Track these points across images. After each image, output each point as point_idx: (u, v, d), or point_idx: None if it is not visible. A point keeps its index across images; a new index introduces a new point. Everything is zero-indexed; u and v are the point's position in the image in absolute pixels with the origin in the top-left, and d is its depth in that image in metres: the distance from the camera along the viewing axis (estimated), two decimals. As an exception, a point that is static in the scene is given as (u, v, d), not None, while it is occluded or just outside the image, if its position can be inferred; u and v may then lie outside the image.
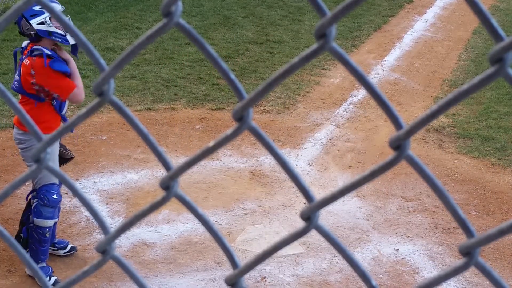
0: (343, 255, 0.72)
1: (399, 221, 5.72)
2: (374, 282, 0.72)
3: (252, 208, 5.72)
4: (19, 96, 4.47)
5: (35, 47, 4.27)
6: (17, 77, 4.36)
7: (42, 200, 4.48)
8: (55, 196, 4.50)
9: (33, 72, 4.23)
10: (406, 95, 8.71)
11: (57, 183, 4.54)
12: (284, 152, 6.69)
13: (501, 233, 0.60)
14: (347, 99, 8.27)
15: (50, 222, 4.55)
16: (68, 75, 4.32)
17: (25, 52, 4.35)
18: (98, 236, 5.20)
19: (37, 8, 4.23)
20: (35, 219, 4.51)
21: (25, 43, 4.46)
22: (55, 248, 4.87)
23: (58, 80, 4.28)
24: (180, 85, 8.23)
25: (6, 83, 7.35)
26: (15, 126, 4.53)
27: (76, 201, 5.58)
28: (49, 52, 4.27)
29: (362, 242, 5.38)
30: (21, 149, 4.52)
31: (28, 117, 0.81)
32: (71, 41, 4.24)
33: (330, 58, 9.37)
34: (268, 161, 6.53)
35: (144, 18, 10.66)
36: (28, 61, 4.26)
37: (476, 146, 7.18)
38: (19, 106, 0.81)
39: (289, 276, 4.89)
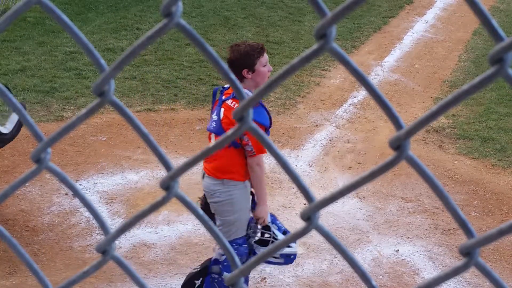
0: (343, 255, 0.72)
1: (399, 222, 5.72)
2: (374, 283, 0.72)
3: (252, 209, 5.72)
4: (213, 137, 4.08)
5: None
6: (215, 117, 4.04)
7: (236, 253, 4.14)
8: (245, 249, 4.19)
9: None
10: (406, 96, 8.71)
11: (244, 235, 4.19)
12: (284, 153, 6.69)
13: (501, 233, 0.61)
14: (347, 100, 8.27)
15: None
16: (267, 129, 3.99)
17: (227, 92, 4.09)
18: (98, 237, 5.20)
19: None
20: (224, 273, 4.20)
21: (227, 85, 4.17)
22: None
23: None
24: (180, 86, 8.23)
25: (6, 84, 7.36)
26: (207, 175, 4.11)
27: (76, 202, 5.58)
28: None
29: (362, 243, 5.38)
30: (216, 202, 4.11)
31: (31, 119, 0.81)
32: None
33: (330, 59, 9.37)
34: (267, 161, 6.52)
35: (144, 19, 10.66)
36: (234, 103, 3.98)
37: (476, 147, 7.18)
38: (20, 106, 0.81)
39: (289, 277, 4.89)
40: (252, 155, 3.96)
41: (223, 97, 4.06)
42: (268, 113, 4.04)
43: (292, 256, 4.32)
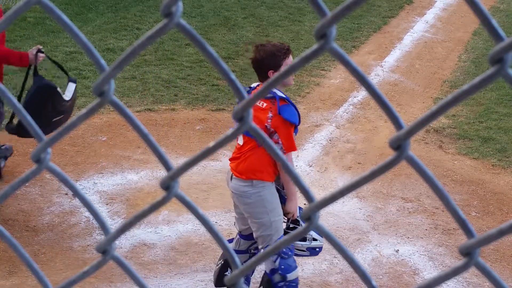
0: (344, 255, 0.72)
1: (399, 222, 5.72)
2: (374, 283, 0.72)
3: (252, 209, 5.72)
4: (241, 137, 4.13)
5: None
6: None
7: (285, 253, 4.20)
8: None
9: (270, 115, 3.99)
10: (406, 96, 8.71)
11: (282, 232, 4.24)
12: (284, 153, 6.69)
13: (501, 233, 0.61)
14: (347, 100, 8.27)
15: (298, 270, 4.37)
16: (296, 126, 4.07)
17: (254, 91, 4.09)
18: (98, 237, 5.20)
19: None
20: (287, 275, 4.23)
21: (254, 84, 4.24)
22: None
23: (289, 130, 4.02)
24: (180, 86, 8.23)
25: (6, 84, 7.35)
26: (235, 177, 4.12)
27: (76, 202, 5.58)
28: (283, 95, 4.04)
29: (362, 243, 5.38)
30: (247, 204, 4.12)
31: (31, 119, 0.81)
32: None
33: (330, 59, 9.37)
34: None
35: (144, 19, 10.66)
36: (265, 104, 4.03)
37: (476, 147, 7.18)
38: (20, 106, 0.81)
39: (289, 277, 4.89)
40: (282, 153, 3.95)
41: None
42: (297, 110, 4.08)
43: (317, 249, 4.43)
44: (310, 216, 0.69)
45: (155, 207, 0.76)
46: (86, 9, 11.02)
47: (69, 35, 0.70)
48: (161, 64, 8.86)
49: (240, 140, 4.15)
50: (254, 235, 4.26)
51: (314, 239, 4.39)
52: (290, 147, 4.01)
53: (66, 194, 5.71)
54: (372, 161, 6.71)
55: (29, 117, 0.81)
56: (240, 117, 0.68)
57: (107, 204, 5.64)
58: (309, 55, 0.64)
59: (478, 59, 10.26)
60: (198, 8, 11.52)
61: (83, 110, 0.75)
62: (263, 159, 4.04)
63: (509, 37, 0.57)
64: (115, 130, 6.93)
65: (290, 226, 4.37)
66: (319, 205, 0.68)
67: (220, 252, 5.02)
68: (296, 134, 4.12)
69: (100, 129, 6.95)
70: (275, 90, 3.98)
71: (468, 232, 0.64)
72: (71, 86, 5.42)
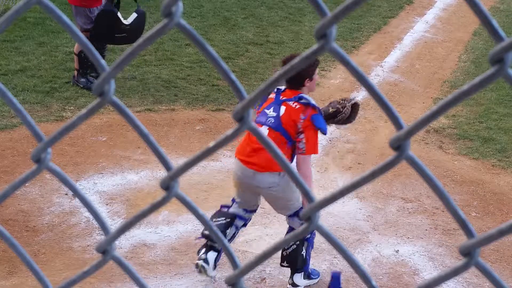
0: (344, 255, 0.72)
1: (399, 222, 5.72)
2: (374, 283, 0.72)
3: (252, 209, 5.72)
4: (266, 130, 4.46)
5: (302, 95, 4.46)
6: (273, 113, 4.47)
7: None
8: None
9: (303, 117, 4.39)
10: (406, 96, 8.71)
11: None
12: (284, 153, 6.68)
13: (501, 233, 0.61)
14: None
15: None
16: (325, 134, 4.58)
17: (284, 94, 4.51)
18: (98, 237, 5.20)
19: None
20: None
21: (282, 87, 4.58)
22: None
23: (316, 135, 4.46)
24: (180, 86, 8.23)
25: (6, 84, 7.36)
26: (260, 173, 4.44)
27: (75, 202, 5.58)
28: (315, 105, 4.47)
29: (362, 243, 5.38)
30: (275, 191, 4.49)
31: (31, 119, 0.81)
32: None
33: (330, 59, 9.37)
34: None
35: (144, 19, 10.65)
36: (298, 106, 4.43)
37: (476, 147, 7.18)
38: (20, 107, 0.81)
39: (289, 277, 4.89)
40: (302, 153, 4.39)
41: (282, 97, 4.49)
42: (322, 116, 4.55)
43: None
44: (310, 216, 0.69)
45: (155, 207, 0.76)
46: (86, 9, 11.00)
47: (69, 35, 0.70)
48: (161, 64, 8.86)
49: (265, 132, 4.45)
50: (285, 214, 4.65)
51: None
52: (312, 149, 4.42)
53: (66, 194, 5.71)
54: (372, 161, 6.71)
55: (29, 117, 0.81)
56: (240, 117, 0.68)
57: (107, 204, 5.64)
58: (309, 55, 0.64)
59: (478, 59, 10.26)
60: (198, 8, 11.52)
61: (83, 110, 0.75)
62: (283, 152, 4.31)
63: (509, 37, 0.57)
64: (115, 130, 6.93)
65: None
66: (319, 205, 0.68)
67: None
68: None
69: (100, 129, 6.95)
70: (308, 98, 4.45)
71: (468, 232, 0.64)
72: (133, 15, 7.35)
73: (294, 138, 4.41)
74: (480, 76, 0.58)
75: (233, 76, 0.69)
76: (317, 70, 4.58)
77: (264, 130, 4.42)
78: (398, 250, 5.32)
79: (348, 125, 5.42)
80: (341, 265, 5.04)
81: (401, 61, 10.12)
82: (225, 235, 4.73)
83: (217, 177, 6.22)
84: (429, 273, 5.05)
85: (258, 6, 12.12)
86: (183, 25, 0.66)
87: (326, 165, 6.66)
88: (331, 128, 7.46)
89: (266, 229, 5.45)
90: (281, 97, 4.52)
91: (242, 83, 8.15)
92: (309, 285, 4.84)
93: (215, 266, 4.58)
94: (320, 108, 4.60)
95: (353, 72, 0.64)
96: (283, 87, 4.59)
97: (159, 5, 11.08)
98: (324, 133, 4.49)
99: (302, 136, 4.38)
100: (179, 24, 0.66)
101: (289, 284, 4.76)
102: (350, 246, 5.29)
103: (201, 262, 4.51)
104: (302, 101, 4.43)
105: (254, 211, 4.80)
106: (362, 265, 0.71)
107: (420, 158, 6.50)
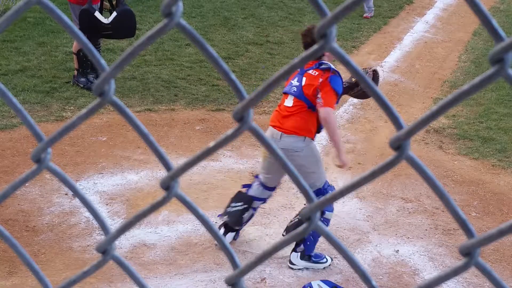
0: (344, 255, 0.72)
1: (399, 222, 5.72)
2: (374, 283, 0.72)
3: (252, 209, 5.71)
4: (292, 99, 4.80)
5: (323, 61, 4.74)
6: (296, 83, 4.79)
7: (327, 192, 4.78)
8: (332, 188, 4.94)
9: (320, 80, 4.67)
10: (406, 96, 8.71)
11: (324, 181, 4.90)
12: (284, 153, 6.67)
13: (501, 233, 0.61)
14: (347, 100, 8.27)
15: (333, 214, 5.02)
16: (340, 95, 4.79)
17: (308, 64, 4.65)
18: (98, 237, 5.20)
19: None
20: (326, 212, 4.85)
21: None
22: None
23: (332, 93, 4.67)
24: (180, 86, 8.23)
25: (6, 84, 7.36)
26: (286, 135, 4.74)
27: (76, 202, 5.58)
28: (335, 68, 4.73)
29: (362, 243, 5.38)
30: (297, 157, 4.72)
31: (31, 119, 0.81)
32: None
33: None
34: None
35: (144, 19, 10.66)
36: (317, 73, 4.71)
37: (476, 147, 7.18)
38: (20, 107, 0.81)
39: (289, 277, 4.89)
40: (320, 105, 4.62)
41: (304, 68, 4.73)
42: (342, 81, 4.81)
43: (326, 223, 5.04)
44: (310, 216, 0.69)
45: (155, 207, 0.76)
46: (86, 9, 11.01)
47: (69, 35, 0.70)
48: (161, 64, 8.86)
49: (289, 102, 4.80)
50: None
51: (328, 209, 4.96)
52: (329, 102, 4.62)
53: (66, 194, 5.71)
54: (372, 161, 6.71)
55: (29, 117, 0.81)
56: (240, 117, 0.68)
57: (107, 204, 5.64)
58: (309, 55, 0.64)
59: (478, 59, 10.26)
60: (198, 8, 11.52)
61: (83, 110, 0.75)
62: (308, 119, 4.72)
63: (509, 37, 0.57)
64: (115, 130, 6.93)
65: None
66: (319, 205, 0.68)
67: (220, 253, 5.03)
68: (337, 104, 4.84)
69: (100, 129, 6.95)
70: (328, 63, 4.73)
71: (468, 232, 0.64)
72: (114, 14, 7.44)
73: (314, 103, 4.68)
74: (480, 76, 0.58)
75: (233, 76, 0.68)
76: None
77: (290, 99, 4.79)
78: (398, 250, 5.31)
79: (364, 101, 5.65)
80: (341, 265, 5.04)
81: (401, 61, 10.12)
82: (241, 220, 5.02)
83: (217, 177, 6.22)
84: (429, 273, 5.05)
85: (258, 6, 12.13)
86: (183, 25, 0.66)
87: (326, 165, 6.65)
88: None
89: (266, 229, 5.45)
90: (304, 67, 4.73)
91: (242, 83, 8.15)
92: (313, 268, 5.00)
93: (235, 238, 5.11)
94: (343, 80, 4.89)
95: (353, 72, 0.64)
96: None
97: (159, 5, 11.08)
98: (338, 93, 4.68)
99: (319, 95, 4.65)
100: (179, 24, 0.66)
101: (289, 263, 5.01)
102: (350, 246, 5.29)
103: None
104: (322, 66, 4.71)
105: (274, 189, 5.04)
106: (362, 265, 0.71)
107: (420, 158, 6.50)
